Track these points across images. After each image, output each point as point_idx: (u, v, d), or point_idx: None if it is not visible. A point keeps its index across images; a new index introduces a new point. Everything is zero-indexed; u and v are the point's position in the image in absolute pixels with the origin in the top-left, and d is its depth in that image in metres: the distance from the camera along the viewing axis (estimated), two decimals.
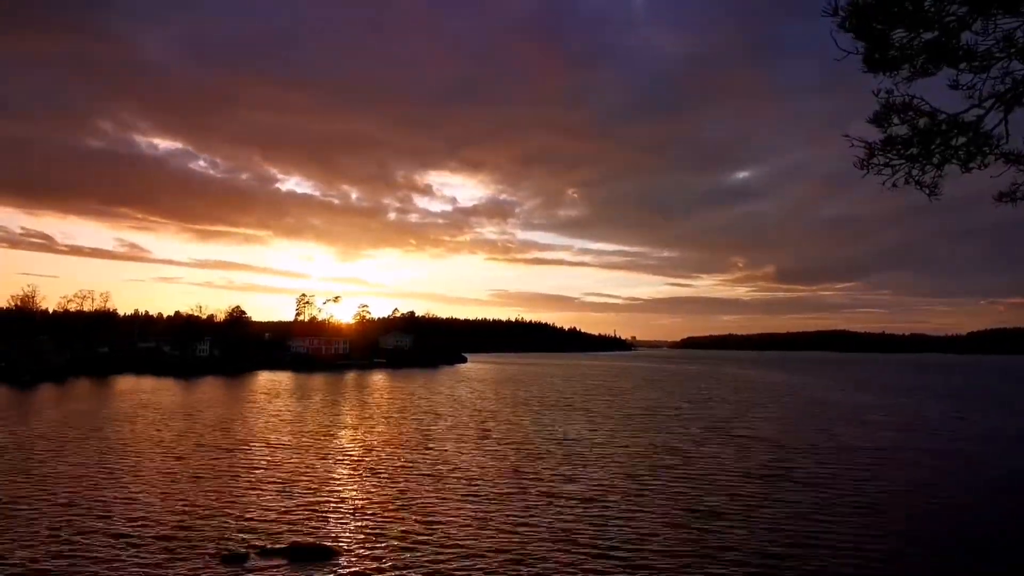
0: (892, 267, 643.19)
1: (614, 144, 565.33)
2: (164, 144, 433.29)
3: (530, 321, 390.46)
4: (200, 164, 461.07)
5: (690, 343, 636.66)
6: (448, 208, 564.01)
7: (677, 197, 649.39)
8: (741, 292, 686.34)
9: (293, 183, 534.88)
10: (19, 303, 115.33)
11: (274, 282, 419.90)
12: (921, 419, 52.25)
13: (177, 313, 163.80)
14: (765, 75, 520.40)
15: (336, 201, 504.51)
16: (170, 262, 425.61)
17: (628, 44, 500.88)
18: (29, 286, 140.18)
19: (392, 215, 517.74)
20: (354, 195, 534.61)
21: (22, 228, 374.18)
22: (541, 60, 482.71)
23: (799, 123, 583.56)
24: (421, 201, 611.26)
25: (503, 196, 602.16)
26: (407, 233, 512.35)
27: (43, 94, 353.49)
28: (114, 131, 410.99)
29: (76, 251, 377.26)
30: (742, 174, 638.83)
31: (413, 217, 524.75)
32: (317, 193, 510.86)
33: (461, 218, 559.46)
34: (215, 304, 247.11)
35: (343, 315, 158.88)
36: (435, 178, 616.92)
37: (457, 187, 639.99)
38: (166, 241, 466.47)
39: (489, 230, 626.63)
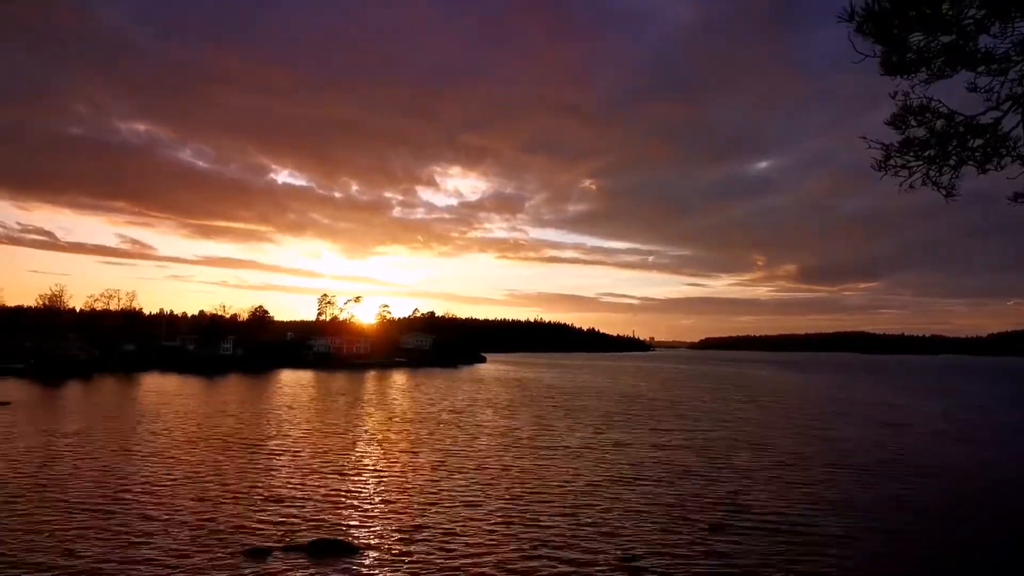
0: (914, 266, 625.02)
1: (622, 130, 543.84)
2: (146, 129, 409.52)
3: (549, 322, 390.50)
4: (187, 153, 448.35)
5: (708, 343, 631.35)
6: (453, 202, 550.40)
7: (689, 190, 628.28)
8: (760, 292, 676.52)
9: (287, 175, 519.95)
10: (47, 302, 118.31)
11: (287, 281, 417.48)
12: None
13: (201, 312, 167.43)
14: (786, 50, 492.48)
15: (337, 195, 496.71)
16: (178, 260, 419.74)
17: (637, 11, 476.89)
18: (57, 285, 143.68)
19: (397, 211, 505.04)
20: (354, 187, 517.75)
21: (19, 224, 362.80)
22: (541, 31, 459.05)
23: (822, 106, 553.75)
24: (424, 194, 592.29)
25: (508, 190, 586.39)
26: (413, 230, 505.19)
27: (6, 72, 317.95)
28: (91, 115, 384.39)
29: (78, 248, 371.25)
30: (761, 164, 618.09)
31: (418, 212, 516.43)
32: (315, 186, 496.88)
33: (469, 213, 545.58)
34: (230, 303, 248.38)
35: (364, 315, 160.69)
36: (434, 168, 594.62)
37: (458, 178, 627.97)
38: (167, 237, 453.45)
39: (499, 227, 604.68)
